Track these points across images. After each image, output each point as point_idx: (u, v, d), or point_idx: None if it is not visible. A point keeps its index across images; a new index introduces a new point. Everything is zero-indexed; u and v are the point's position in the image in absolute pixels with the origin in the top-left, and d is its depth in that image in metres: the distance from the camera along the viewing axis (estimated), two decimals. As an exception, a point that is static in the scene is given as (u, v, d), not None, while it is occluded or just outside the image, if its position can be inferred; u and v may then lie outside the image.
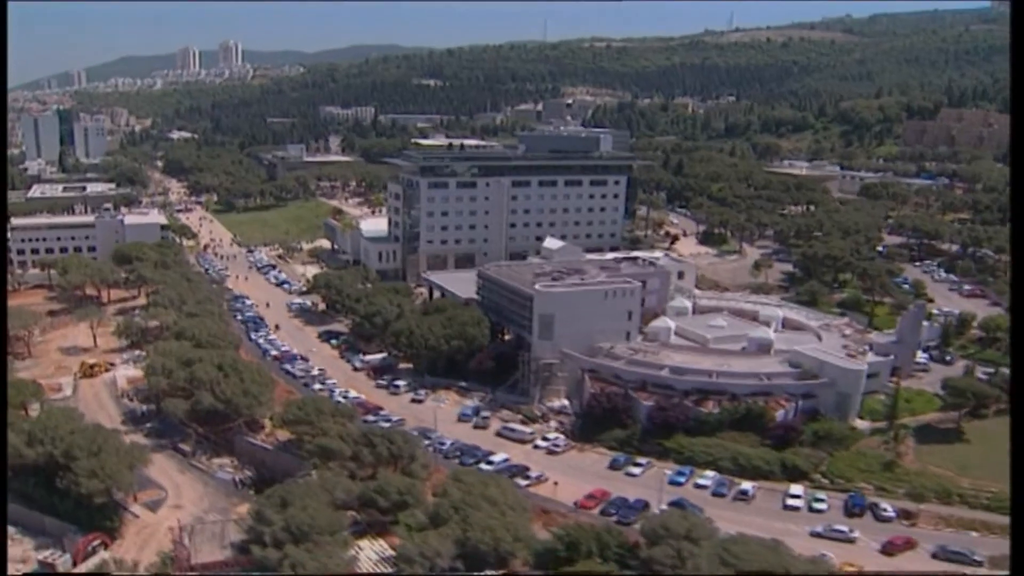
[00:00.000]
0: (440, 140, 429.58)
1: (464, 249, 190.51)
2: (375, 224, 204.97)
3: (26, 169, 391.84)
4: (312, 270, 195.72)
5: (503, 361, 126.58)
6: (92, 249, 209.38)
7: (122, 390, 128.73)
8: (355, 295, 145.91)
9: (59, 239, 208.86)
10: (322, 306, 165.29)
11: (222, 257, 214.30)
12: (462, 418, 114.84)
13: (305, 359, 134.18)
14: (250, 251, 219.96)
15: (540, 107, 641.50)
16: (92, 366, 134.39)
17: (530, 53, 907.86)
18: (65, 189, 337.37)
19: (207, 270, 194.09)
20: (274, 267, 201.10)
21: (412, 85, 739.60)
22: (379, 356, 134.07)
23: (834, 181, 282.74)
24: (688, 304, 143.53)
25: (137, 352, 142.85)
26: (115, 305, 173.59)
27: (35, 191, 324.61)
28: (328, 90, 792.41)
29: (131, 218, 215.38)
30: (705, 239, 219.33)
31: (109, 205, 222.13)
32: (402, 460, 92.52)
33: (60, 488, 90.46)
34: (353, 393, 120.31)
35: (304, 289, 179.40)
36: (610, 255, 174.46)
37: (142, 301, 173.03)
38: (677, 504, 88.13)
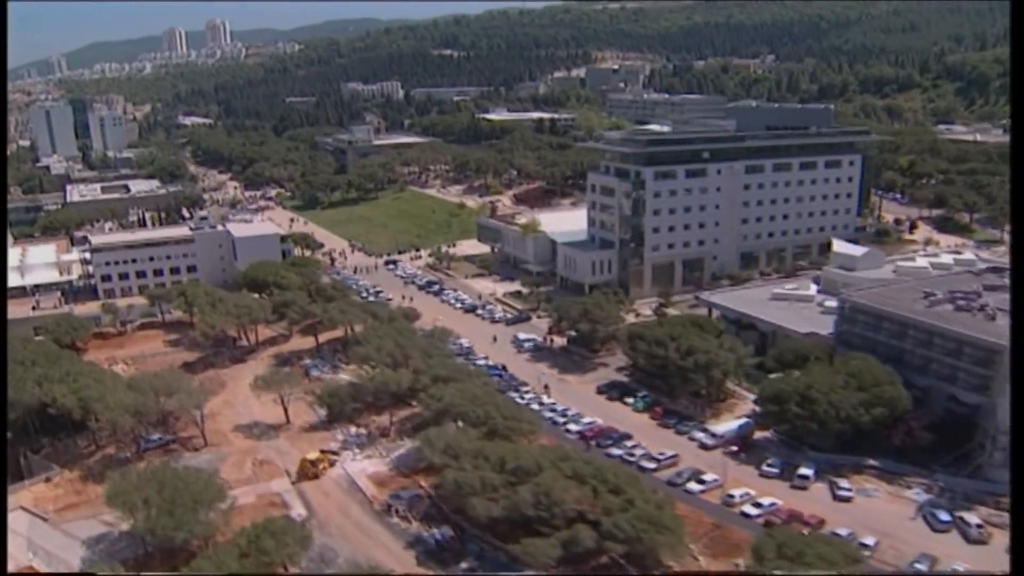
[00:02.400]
0: (505, 115, 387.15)
1: (692, 253, 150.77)
2: (555, 224, 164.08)
3: (48, 168, 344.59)
4: (495, 287, 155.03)
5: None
6: (192, 269, 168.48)
7: (375, 500, 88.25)
8: (652, 335, 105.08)
9: (152, 259, 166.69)
10: (559, 342, 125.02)
11: (359, 271, 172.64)
12: (937, 525, 76.21)
13: (628, 436, 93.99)
14: (391, 262, 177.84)
15: (582, 74, 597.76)
16: (313, 462, 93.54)
17: (543, 18, 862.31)
18: (104, 189, 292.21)
19: (364, 294, 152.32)
20: (439, 284, 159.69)
21: (433, 56, 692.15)
22: (734, 426, 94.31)
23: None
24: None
25: (354, 431, 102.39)
26: (266, 351, 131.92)
27: (72, 194, 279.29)
28: (337, 66, 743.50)
29: (238, 228, 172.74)
30: (941, 226, 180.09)
31: (206, 213, 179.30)
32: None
33: None
34: (763, 497, 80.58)
35: (510, 317, 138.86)
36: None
37: (300, 344, 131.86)
38: None
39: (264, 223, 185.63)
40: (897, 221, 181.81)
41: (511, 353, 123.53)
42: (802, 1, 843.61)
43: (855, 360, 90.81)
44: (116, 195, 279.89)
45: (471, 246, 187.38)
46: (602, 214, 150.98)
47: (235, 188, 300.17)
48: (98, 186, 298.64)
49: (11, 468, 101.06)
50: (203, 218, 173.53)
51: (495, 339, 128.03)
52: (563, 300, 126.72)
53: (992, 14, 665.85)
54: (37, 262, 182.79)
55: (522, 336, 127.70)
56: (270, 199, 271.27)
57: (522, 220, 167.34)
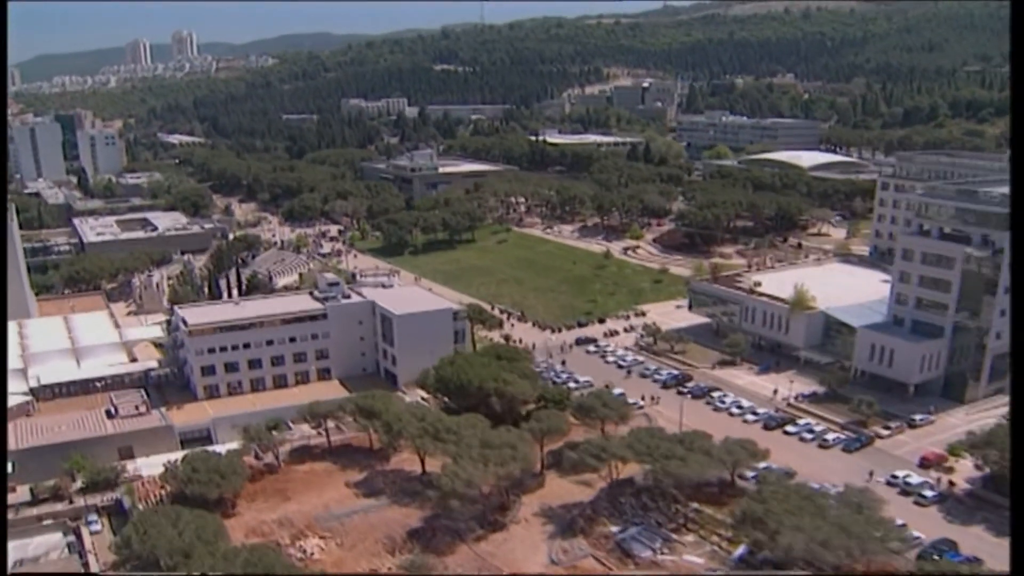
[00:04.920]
0: (568, 138, 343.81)
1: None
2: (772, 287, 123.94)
3: (37, 195, 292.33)
4: (762, 382, 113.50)
5: None
6: (322, 356, 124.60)
7: None
8: None
9: (271, 343, 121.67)
10: (959, 483, 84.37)
11: (552, 354, 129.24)
12: None
13: None
14: (587, 341, 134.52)
15: (596, 91, 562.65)
16: None
17: (537, 32, 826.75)
18: (121, 225, 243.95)
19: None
20: (685, 376, 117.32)
21: (436, 71, 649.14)
22: None
23: None
24: None
25: None
26: (521, 504, 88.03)
27: (85, 230, 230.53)
28: (326, 81, 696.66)
29: (383, 298, 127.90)
30: None
31: (332, 277, 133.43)
32: None
33: None
34: None
35: (843, 438, 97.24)
36: None
37: (567, 490, 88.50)
38: None
39: (409, 287, 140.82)
40: None
41: (904, 504, 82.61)
42: (802, 19, 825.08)
43: None
44: (140, 233, 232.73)
45: (663, 314, 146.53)
46: (923, 289, 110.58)
47: (278, 223, 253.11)
48: (112, 220, 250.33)
49: None
50: (332, 283, 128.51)
51: (871, 476, 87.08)
52: (996, 431, 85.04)
53: (1007, 32, 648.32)
54: (93, 342, 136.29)
55: (906, 477, 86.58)
56: (334, 239, 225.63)
57: (753, 282, 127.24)
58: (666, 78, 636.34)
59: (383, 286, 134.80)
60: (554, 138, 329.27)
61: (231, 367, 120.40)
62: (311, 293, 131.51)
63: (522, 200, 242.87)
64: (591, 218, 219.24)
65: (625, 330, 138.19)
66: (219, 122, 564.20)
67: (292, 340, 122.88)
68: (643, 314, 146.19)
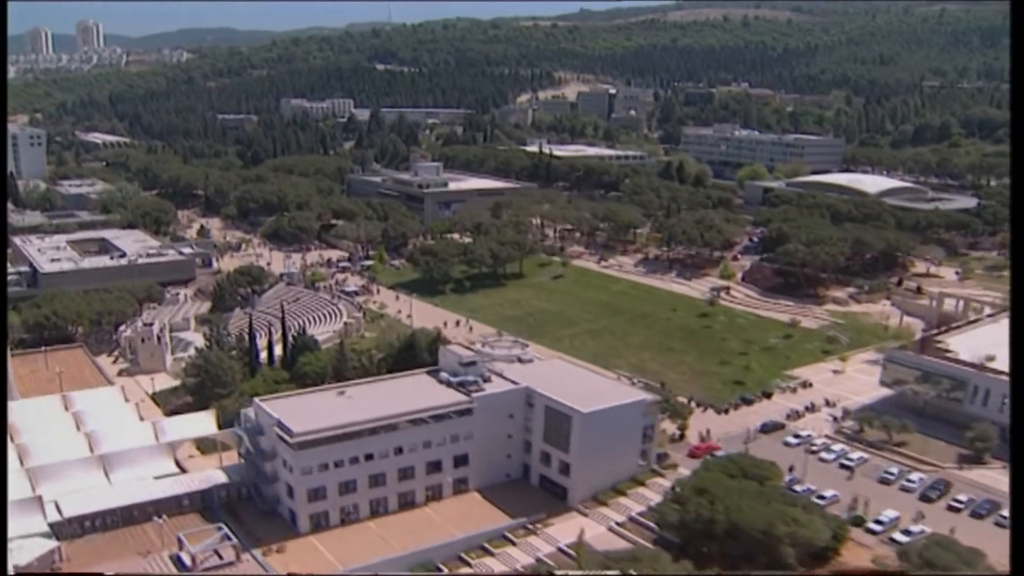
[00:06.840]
0: (564, 150, 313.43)
1: None
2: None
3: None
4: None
5: None
6: (461, 462, 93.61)
7: None
8: None
9: (399, 451, 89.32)
10: None
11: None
12: None
13: None
14: (778, 429, 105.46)
15: (550, 96, 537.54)
16: None
17: (474, 33, 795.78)
18: (75, 247, 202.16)
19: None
20: (950, 487, 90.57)
21: (379, 72, 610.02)
22: None
23: None
24: None
25: None
26: None
27: (38, 257, 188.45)
28: (255, 78, 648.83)
29: (536, 378, 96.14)
30: None
31: (466, 353, 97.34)
32: None
33: None
34: None
35: None
36: None
37: None
38: None
39: (550, 361, 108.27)
40: None
41: None
42: (743, 27, 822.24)
43: None
44: (105, 259, 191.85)
45: (825, 383, 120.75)
46: None
47: (267, 249, 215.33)
48: (64, 241, 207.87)
49: None
50: (468, 363, 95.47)
51: None
52: None
53: (958, 47, 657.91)
54: (121, 444, 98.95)
55: None
56: (345, 268, 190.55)
57: (985, 356, 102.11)
58: (617, 83, 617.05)
59: (520, 360, 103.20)
60: (558, 151, 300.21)
61: (347, 487, 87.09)
62: (438, 374, 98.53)
63: (550, 223, 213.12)
64: (645, 247, 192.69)
65: (807, 409, 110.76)
66: (143, 120, 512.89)
67: (427, 445, 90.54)
68: (809, 385, 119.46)
